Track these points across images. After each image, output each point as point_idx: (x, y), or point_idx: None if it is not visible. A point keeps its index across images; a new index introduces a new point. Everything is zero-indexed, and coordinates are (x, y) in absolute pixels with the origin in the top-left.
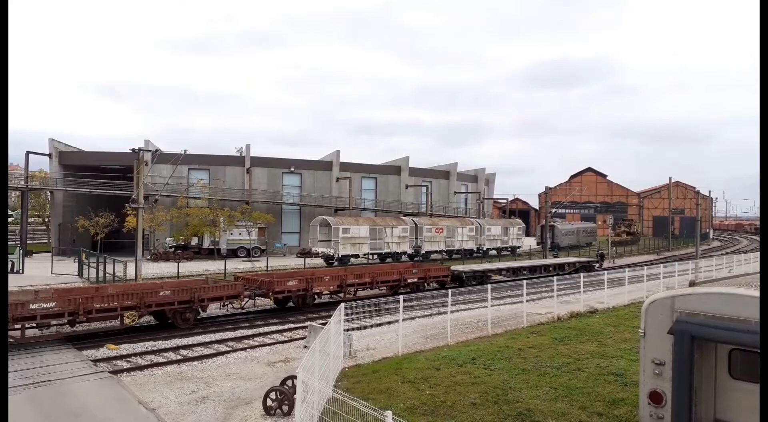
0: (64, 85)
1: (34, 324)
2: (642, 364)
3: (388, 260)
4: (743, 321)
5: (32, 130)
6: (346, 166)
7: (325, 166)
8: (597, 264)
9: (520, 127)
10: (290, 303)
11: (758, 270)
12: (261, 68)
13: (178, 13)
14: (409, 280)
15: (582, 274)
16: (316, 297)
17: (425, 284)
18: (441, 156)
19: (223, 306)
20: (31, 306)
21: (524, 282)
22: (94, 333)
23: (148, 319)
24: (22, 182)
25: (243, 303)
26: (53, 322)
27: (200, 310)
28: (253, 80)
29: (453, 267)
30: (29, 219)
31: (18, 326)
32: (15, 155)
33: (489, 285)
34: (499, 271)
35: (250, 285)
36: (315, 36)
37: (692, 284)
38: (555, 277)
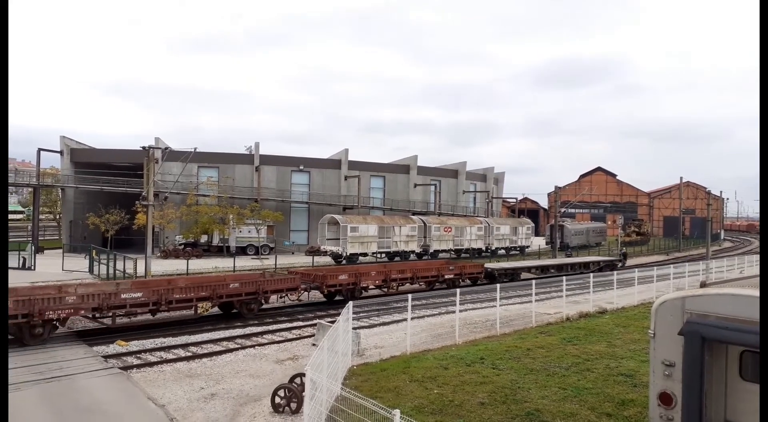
0: (77, 84)
1: (123, 313)
2: (652, 365)
3: (396, 258)
4: (755, 322)
5: (45, 128)
6: (354, 165)
7: (333, 164)
8: (620, 263)
9: (529, 127)
10: (338, 297)
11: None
12: (270, 67)
13: (188, 12)
14: (446, 276)
15: (591, 274)
16: (363, 291)
17: (460, 280)
18: (449, 155)
19: (281, 298)
20: (122, 296)
21: (533, 282)
22: (104, 330)
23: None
24: (34, 179)
25: (299, 295)
26: (139, 310)
27: (263, 301)
28: (262, 79)
29: (486, 265)
30: (41, 216)
31: (110, 314)
32: (27, 152)
33: (498, 285)
34: (528, 269)
35: (305, 279)
36: (323, 35)
37: (703, 285)
38: (564, 277)
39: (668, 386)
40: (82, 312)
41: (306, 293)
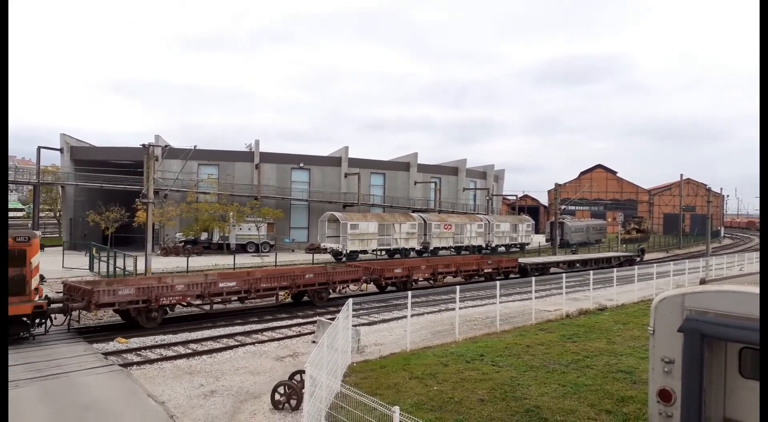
0: (79, 81)
1: (219, 300)
2: (651, 362)
3: (397, 256)
4: (754, 319)
5: (46, 126)
6: (354, 162)
7: (333, 161)
8: (638, 258)
9: (530, 124)
10: (390, 288)
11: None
12: (271, 65)
13: (191, 11)
14: (485, 270)
15: (591, 271)
16: (414, 283)
17: (497, 274)
18: (451, 152)
19: (344, 288)
20: (220, 285)
21: (533, 279)
22: (104, 327)
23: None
24: (34, 177)
25: (361, 286)
26: (232, 298)
27: (332, 291)
28: (264, 77)
29: (519, 260)
30: (41, 214)
31: (208, 301)
32: (27, 150)
33: (498, 283)
34: (556, 264)
35: (366, 272)
36: (326, 33)
37: (703, 282)
38: (564, 274)
39: (668, 383)
40: (189, 298)
41: (366, 284)
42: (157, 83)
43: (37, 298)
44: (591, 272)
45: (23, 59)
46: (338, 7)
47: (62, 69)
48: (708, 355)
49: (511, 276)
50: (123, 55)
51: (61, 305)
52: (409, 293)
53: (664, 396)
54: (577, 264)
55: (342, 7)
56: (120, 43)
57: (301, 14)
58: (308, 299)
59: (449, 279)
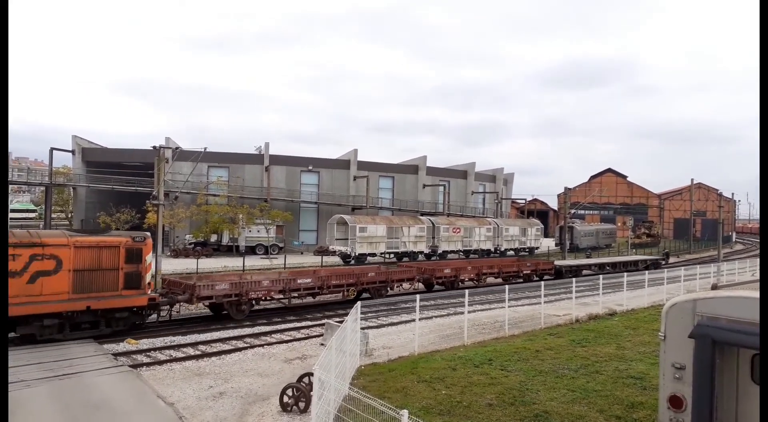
0: (90, 83)
1: (296, 295)
2: (662, 368)
3: (405, 259)
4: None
5: (59, 128)
6: (363, 165)
7: (342, 164)
8: (663, 262)
9: (540, 127)
10: (437, 287)
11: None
12: (281, 67)
13: (200, 12)
14: (524, 271)
15: (601, 276)
16: (461, 282)
17: (535, 275)
18: (459, 155)
19: (399, 286)
20: (298, 281)
21: (542, 284)
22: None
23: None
24: (46, 178)
25: (414, 284)
26: (306, 293)
27: (390, 288)
28: (273, 79)
29: (555, 262)
30: (53, 215)
31: (287, 295)
32: (40, 151)
33: (507, 286)
34: (588, 266)
35: (418, 272)
36: (334, 35)
37: (714, 287)
38: (574, 279)
39: (678, 389)
40: (272, 293)
41: (418, 283)
42: (168, 84)
43: (149, 292)
44: (601, 277)
45: (37, 61)
46: (347, 9)
47: (75, 71)
48: (719, 361)
49: (546, 277)
50: (136, 56)
51: (168, 298)
52: (417, 296)
53: (675, 402)
54: (608, 267)
55: (350, 8)
56: (133, 45)
57: (310, 15)
58: (369, 295)
59: (491, 279)
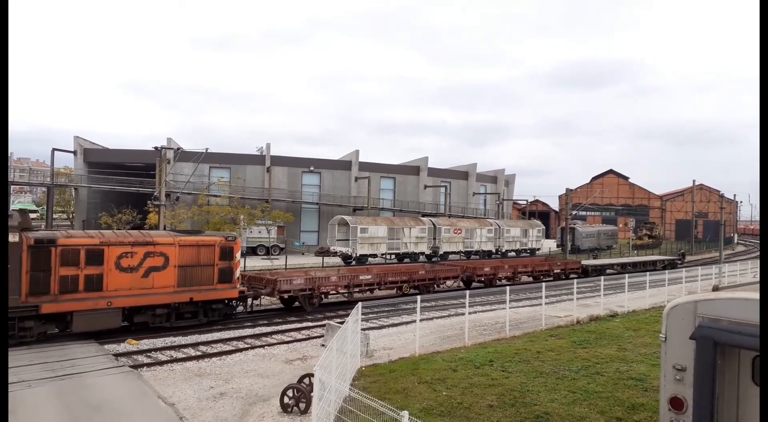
0: (93, 83)
1: (358, 290)
2: (663, 369)
3: (406, 260)
4: None
5: (62, 129)
6: (365, 166)
7: (344, 165)
8: (680, 262)
9: (543, 128)
10: (474, 284)
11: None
12: (285, 67)
13: (205, 12)
14: (555, 270)
15: (602, 277)
16: (498, 280)
17: (565, 274)
18: (463, 155)
19: (443, 283)
20: (360, 277)
21: (543, 284)
22: (116, 329)
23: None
24: (48, 179)
25: (458, 282)
26: (366, 288)
27: (437, 286)
28: (277, 79)
29: (582, 262)
30: (54, 216)
31: (351, 290)
32: (42, 151)
33: (507, 287)
34: (611, 266)
35: (462, 270)
36: (338, 36)
37: (715, 289)
38: (576, 280)
39: (679, 390)
40: (339, 287)
41: (461, 281)
42: (175, 85)
43: (239, 286)
44: (602, 278)
45: (42, 63)
46: (352, 10)
47: (79, 71)
48: (720, 363)
49: (572, 276)
50: (143, 57)
51: (253, 292)
52: (418, 298)
53: (676, 404)
54: (629, 267)
55: (356, 9)
56: (140, 46)
57: (314, 16)
58: (418, 291)
59: (524, 278)
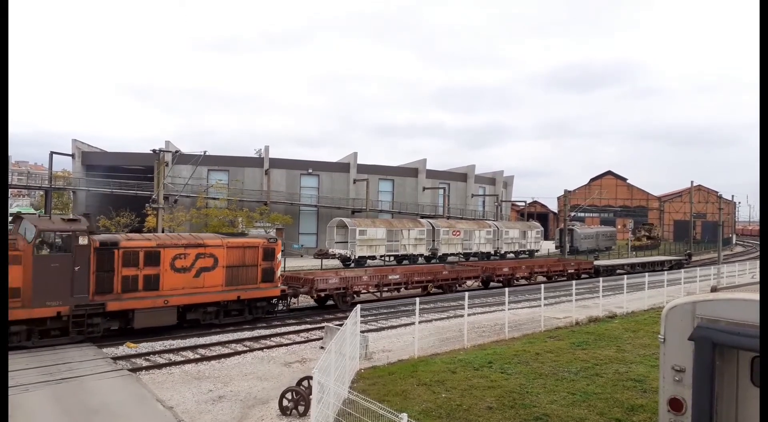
0: (91, 86)
1: (387, 289)
2: (661, 371)
3: (405, 262)
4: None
5: (61, 132)
6: (363, 168)
7: (342, 167)
8: (686, 262)
9: (543, 129)
10: (492, 283)
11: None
12: (284, 68)
13: (203, 13)
14: (569, 271)
15: (601, 278)
16: (516, 280)
17: (578, 274)
18: (462, 158)
19: (464, 283)
20: (389, 277)
21: (542, 286)
22: (112, 331)
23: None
24: (46, 182)
25: (479, 281)
26: (394, 287)
27: (459, 285)
28: (277, 80)
29: (594, 263)
30: None
31: (381, 289)
32: (40, 155)
33: (506, 289)
34: (622, 266)
35: (483, 271)
36: (337, 37)
37: (714, 290)
38: (574, 281)
39: (678, 391)
40: (370, 287)
41: (481, 281)
42: (174, 87)
43: (279, 285)
44: (601, 279)
45: (37, 64)
46: (351, 11)
47: (77, 74)
48: (719, 364)
49: (583, 276)
50: (138, 59)
51: (292, 290)
52: (417, 299)
53: (675, 405)
54: (638, 267)
55: (354, 11)
56: (134, 47)
57: (312, 17)
58: (441, 290)
59: (541, 278)
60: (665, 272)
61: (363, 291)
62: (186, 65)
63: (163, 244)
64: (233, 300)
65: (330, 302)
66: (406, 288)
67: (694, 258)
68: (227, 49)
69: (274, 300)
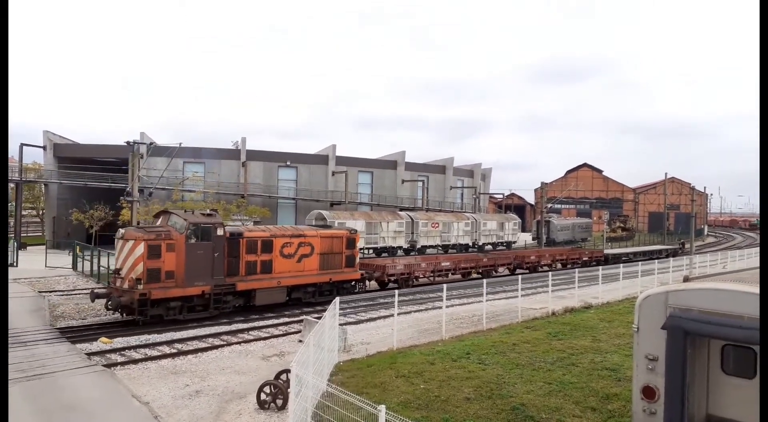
0: (63, 77)
1: (439, 274)
2: (635, 359)
3: (384, 254)
4: (736, 316)
5: (28, 123)
6: (342, 160)
7: (321, 159)
8: (680, 251)
9: (524, 121)
10: (518, 270)
11: (751, 266)
12: (268, 60)
13: (185, 7)
14: (584, 258)
15: (576, 269)
16: (541, 267)
17: (591, 261)
18: (444, 149)
19: (497, 270)
20: (442, 264)
21: (519, 277)
22: (87, 327)
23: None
24: (17, 174)
25: (512, 268)
26: (446, 272)
27: (495, 270)
28: (260, 72)
29: (604, 251)
30: (23, 212)
31: (435, 275)
32: (10, 147)
33: (484, 280)
34: (626, 255)
35: (514, 259)
36: (321, 30)
37: (686, 280)
38: (550, 272)
39: (651, 380)
40: (427, 272)
41: (513, 267)
42: (147, 78)
43: (358, 269)
44: (576, 270)
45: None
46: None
47: (51, 65)
48: (691, 352)
49: (592, 264)
50: (115, 52)
51: (368, 275)
52: (396, 292)
53: (648, 393)
54: (640, 255)
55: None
56: (110, 40)
57: (295, 11)
58: (480, 276)
59: (558, 265)
60: (639, 263)
61: (421, 276)
62: (167, 58)
63: (275, 234)
64: (326, 282)
65: (392, 285)
66: (453, 274)
67: (667, 247)
68: (209, 41)
69: (353, 283)
